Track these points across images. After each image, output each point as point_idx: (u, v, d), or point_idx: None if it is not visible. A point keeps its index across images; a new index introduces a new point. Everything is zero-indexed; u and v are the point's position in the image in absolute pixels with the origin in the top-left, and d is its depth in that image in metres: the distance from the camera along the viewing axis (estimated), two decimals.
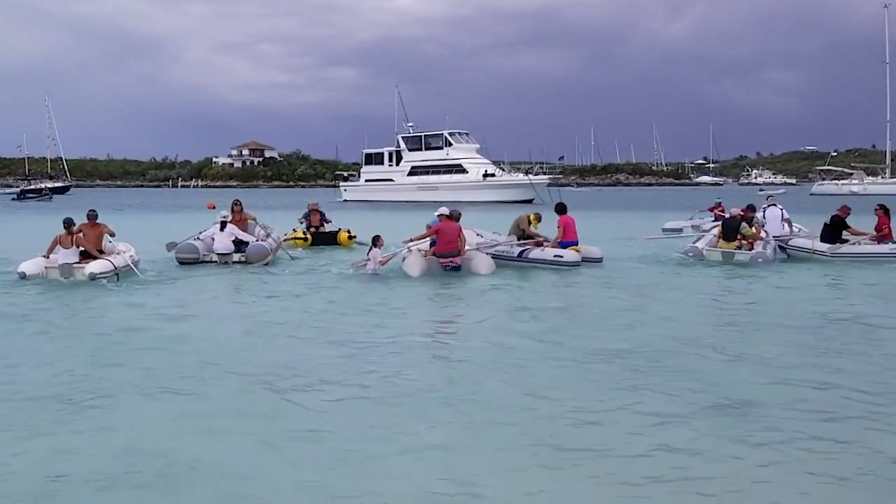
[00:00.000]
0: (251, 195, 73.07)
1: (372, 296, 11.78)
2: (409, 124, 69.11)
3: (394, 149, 67.06)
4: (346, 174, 76.85)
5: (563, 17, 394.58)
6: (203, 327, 9.64)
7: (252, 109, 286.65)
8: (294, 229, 19.99)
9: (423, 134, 65.92)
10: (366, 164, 69.24)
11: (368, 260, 13.91)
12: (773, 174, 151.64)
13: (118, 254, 14.16)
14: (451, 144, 63.67)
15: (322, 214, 20.85)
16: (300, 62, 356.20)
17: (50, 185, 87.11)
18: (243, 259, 15.68)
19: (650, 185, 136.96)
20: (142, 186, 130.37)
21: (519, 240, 15.71)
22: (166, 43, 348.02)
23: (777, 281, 13.41)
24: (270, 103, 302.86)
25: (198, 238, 16.49)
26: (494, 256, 14.83)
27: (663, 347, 8.17)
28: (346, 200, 65.56)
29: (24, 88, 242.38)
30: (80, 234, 13.59)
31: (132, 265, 13.94)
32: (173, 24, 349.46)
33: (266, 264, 15.45)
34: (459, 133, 65.00)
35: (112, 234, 14.63)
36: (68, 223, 13.53)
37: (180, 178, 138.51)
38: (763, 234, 16.48)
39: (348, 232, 20.15)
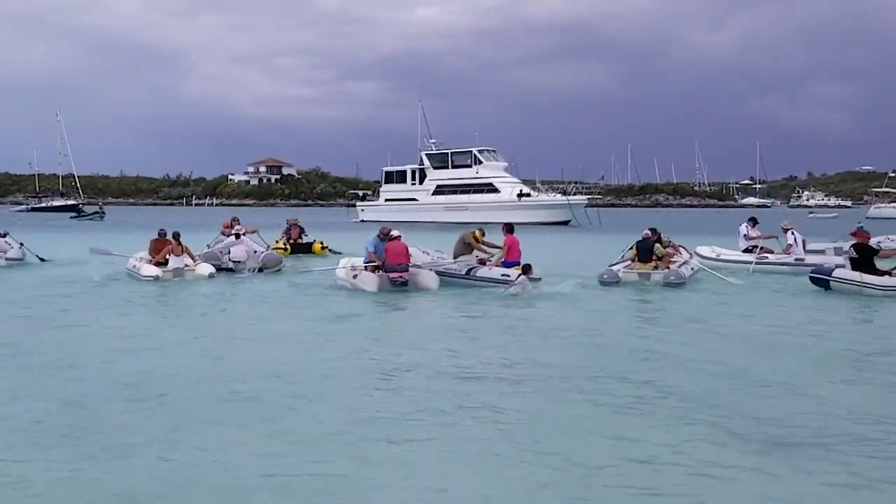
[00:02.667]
0: (267, 214, 73.45)
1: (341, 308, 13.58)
2: (432, 140, 68.89)
3: (417, 166, 66.95)
4: (361, 193, 76.28)
5: (597, 29, 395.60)
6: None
7: (269, 124, 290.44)
8: (276, 240, 24.24)
9: (449, 151, 65.94)
10: (386, 182, 68.87)
11: (517, 283, 15.12)
12: (826, 196, 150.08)
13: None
14: (480, 162, 63.64)
15: (301, 229, 25.47)
16: (319, 76, 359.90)
17: (60, 202, 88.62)
18: (260, 265, 19.14)
19: (692, 206, 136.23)
20: (155, 205, 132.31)
21: (460, 255, 16.92)
22: (180, 56, 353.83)
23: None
24: (288, 118, 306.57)
25: (210, 247, 20.67)
26: (443, 274, 16.25)
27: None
28: (363, 221, 65.25)
29: (35, 103, 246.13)
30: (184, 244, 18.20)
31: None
32: (187, 36, 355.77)
33: (278, 270, 19.17)
34: (488, 150, 65.09)
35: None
36: (176, 236, 18.12)
37: (195, 196, 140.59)
38: (681, 254, 17.93)
39: (321, 243, 25.09)
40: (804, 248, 19.55)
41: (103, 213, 66.66)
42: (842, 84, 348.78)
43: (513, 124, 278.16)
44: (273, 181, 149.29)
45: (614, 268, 17.06)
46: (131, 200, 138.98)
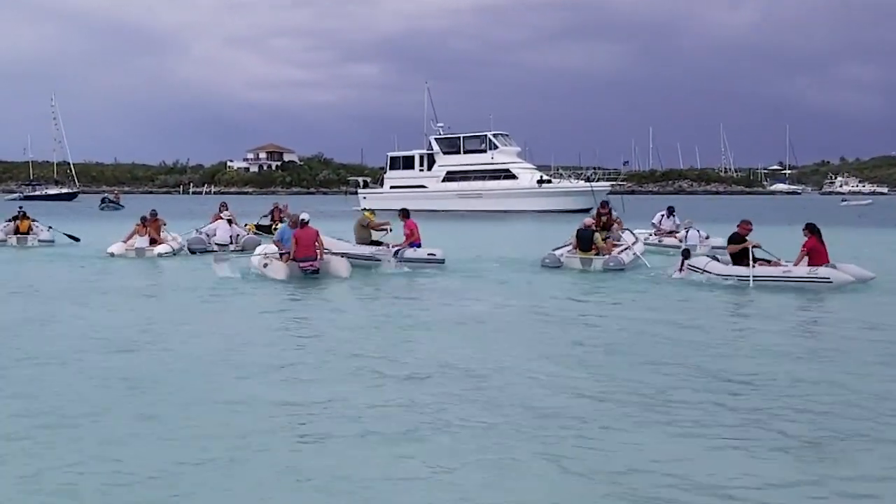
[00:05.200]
0: (268, 202, 73.80)
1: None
2: (439, 124, 67.72)
3: (425, 151, 66.10)
4: (361, 180, 74.46)
5: (610, 6, 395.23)
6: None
7: (268, 109, 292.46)
8: (256, 223, 29.24)
9: (461, 135, 65.31)
10: (391, 168, 67.65)
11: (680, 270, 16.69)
12: (860, 182, 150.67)
13: (172, 239, 22.64)
14: (495, 147, 63.07)
15: (281, 211, 29.21)
16: (318, 58, 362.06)
17: (55, 191, 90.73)
18: (239, 248, 22.71)
19: (717, 193, 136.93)
20: (151, 193, 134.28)
21: (367, 242, 18.97)
22: (174, 38, 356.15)
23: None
24: (288, 103, 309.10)
25: (198, 231, 24.17)
26: (369, 259, 18.13)
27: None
28: (364, 209, 64.91)
29: (27, 89, 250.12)
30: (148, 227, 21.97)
31: (181, 248, 22.41)
32: (179, 17, 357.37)
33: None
34: (502, 135, 64.82)
35: (164, 223, 23.13)
36: (143, 219, 22.08)
37: (192, 184, 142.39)
38: (625, 241, 19.95)
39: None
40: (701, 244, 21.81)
41: (119, 204, 68.51)
42: (875, 64, 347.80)
43: (523, 108, 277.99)
44: (274, 168, 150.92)
45: (556, 252, 19.01)
46: (127, 189, 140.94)
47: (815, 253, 15.34)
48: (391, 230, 19.55)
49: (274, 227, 26.41)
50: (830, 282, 14.74)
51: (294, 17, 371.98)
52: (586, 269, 18.32)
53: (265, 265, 17.17)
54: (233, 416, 7.13)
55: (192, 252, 22.20)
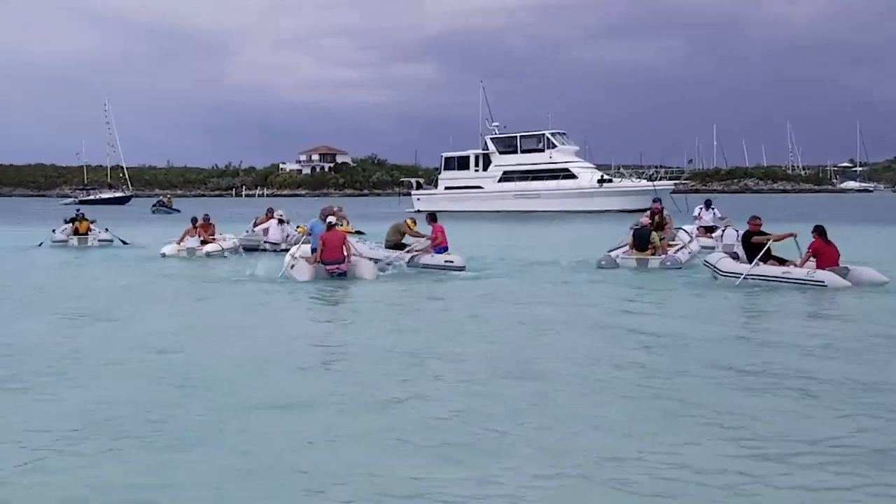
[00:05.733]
0: (320, 204, 74.01)
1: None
2: (494, 124, 67.33)
3: (481, 151, 65.99)
4: (414, 181, 74.05)
5: (668, 1, 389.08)
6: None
7: (321, 111, 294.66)
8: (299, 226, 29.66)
9: (517, 134, 64.96)
10: (445, 168, 67.51)
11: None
12: None
13: (224, 240, 23.86)
14: (553, 146, 62.61)
15: (334, 214, 31.53)
16: (369, 57, 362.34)
17: (109, 195, 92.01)
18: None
19: (785, 191, 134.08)
20: (203, 196, 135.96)
21: (395, 246, 19.42)
22: (222, 41, 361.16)
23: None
24: (340, 104, 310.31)
25: (249, 231, 25.71)
26: (377, 262, 18.14)
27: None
28: (419, 211, 64.80)
29: (82, 93, 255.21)
30: (200, 228, 23.76)
31: (233, 249, 23.45)
32: (228, 20, 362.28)
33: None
34: (559, 133, 64.31)
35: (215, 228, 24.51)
36: (194, 220, 24.02)
37: (244, 187, 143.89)
38: (680, 240, 20.31)
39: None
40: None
41: (171, 208, 69.02)
42: None
43: (581, 106, 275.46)
44: (326, 170, 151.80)
45: (612, 253, 19.06)
46: (179, 192, 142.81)
47: (822, 255, 15.35)
48: (420, 248, 19.47)
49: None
50: (825, 285, 14.80)
51: (343, 17, 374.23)
52: (643, 269, 18.41)
53: (292, 266, 17.40)
54: (298, 418, 7.12)
55: (246, 249, 23.49)
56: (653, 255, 18.64)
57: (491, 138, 66.09)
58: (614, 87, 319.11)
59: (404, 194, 74.97)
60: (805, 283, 14.92)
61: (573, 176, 61.82)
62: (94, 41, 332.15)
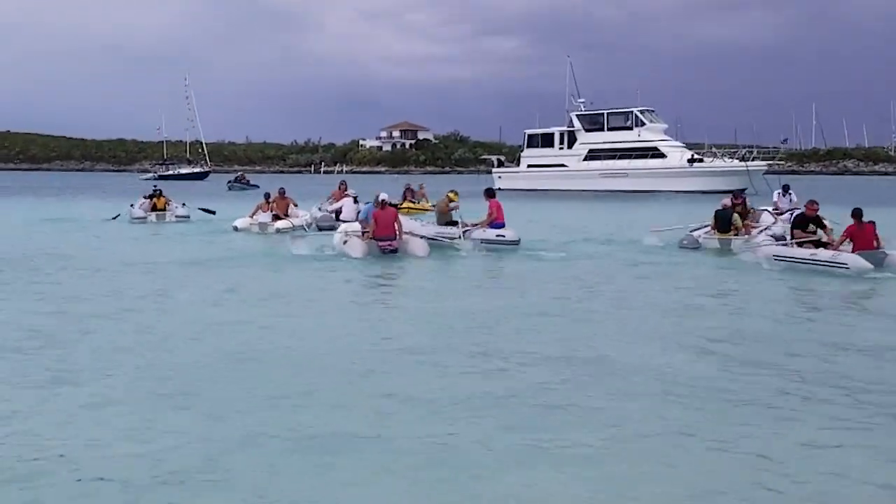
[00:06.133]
0: (401, 182, 73.79)
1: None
2: (580, 100, 66.76)
3: (566, 129, 65.03)
4: (496, 159, 73.43)
5: None
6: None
7: (404, 86, 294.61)
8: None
9: (604, 111, 64.03)
10: (528, 146, 67.02)
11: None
12: None
13: (297, 217, 24.25)
14: (642, 124, 61.47)
15: (414, 192, 33.51)
16: (454, 31, 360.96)
17: (187, 170, 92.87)
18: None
19: (886, 174, 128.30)
20: (282, 172, 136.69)
21: (447, 224, 19.77)
22: (306, 13, 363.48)
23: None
24: (424, 78, 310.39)
25: (320, 209, 25.57)
26: (432, 239, 18.56)
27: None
28: (500, 189, 64.56)
29: (162, 68, 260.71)
30: (274, 203, 24.45)
31: (304, 226, 23.54)
32: None
33: None
34: (648, 111, 63.03)
35: (296, 205, 24.93)
36: (267, 196, 24.82)
37: (323, 163, 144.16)
38: (762, 222, 20.58)
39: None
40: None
41: (249, 183, 68.49)
42: None
43: (674, 82, 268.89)
44: (407, 146, 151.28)
45: (694, 233, 19.69)
46: (258, 168, 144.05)
47: (857, 238, 15.49)
48: (480, 224, 19.68)
49: (399, 206, 26.96)
50: (848, 268, 14.87)
51: None
52: (725, 247, 18.66)
53: (345, 242, 17.78)
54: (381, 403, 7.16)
55: (321, 229, 22.71)
56: (735, 235, 18.85)
57: (577, 115, 65.35)
58: (710, 62, 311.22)
59: (485, 172, 74.57)
60: (830, 266, 15.18)
61: (662, 155, 60.40)
62: (175, 15, 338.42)
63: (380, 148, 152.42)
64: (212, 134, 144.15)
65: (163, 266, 16.12)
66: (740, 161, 58.68)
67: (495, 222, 19.38)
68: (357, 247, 17.34)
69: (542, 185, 62.91)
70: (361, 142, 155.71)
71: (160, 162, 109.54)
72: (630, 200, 47.50)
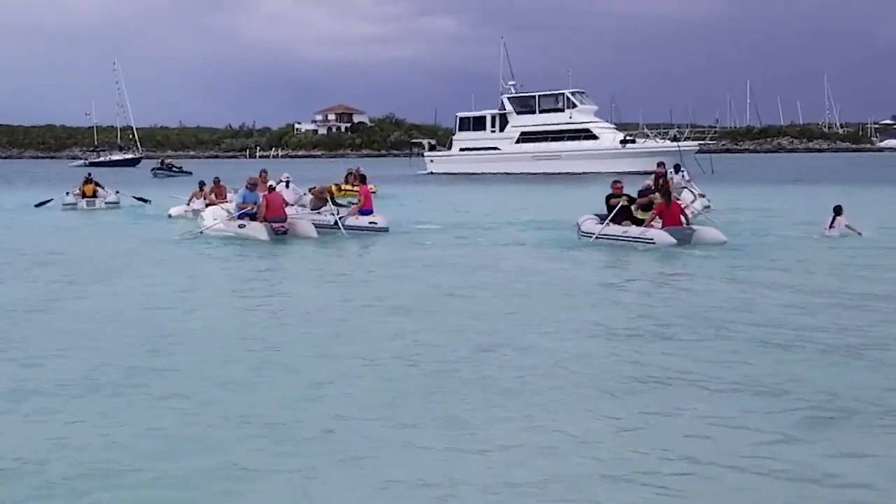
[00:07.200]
0: (335, 166, 73.52)
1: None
2: (511, 83, 67.52)
3: (497, 112, 65.61)
4: (427, 143, 74.01)
5: None
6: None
7: (337, 67, 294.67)
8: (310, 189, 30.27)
9: (536, 94, 64.80)
10: (460, 129, 67.32)
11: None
12: None
13: (229, 202, 23.31)
14: (574, 106, 62.43)
15: (355, 176, 31.31)
16: (390, 11, 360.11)
17: (119, 156, 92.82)
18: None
19: (821, 150, 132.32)
20: (216, 157, 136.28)
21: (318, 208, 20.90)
22: None
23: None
24: (358, 60, 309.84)
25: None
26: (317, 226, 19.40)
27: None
28: (431, 173, 64.43)
29: (90, 52, 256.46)
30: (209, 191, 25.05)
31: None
32: None
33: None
34: (579, 92, 64.02)
35: (235, 191, 23.82)
36: (201, 184, 25.64)
37: (259, 148, 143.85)
38: (684, 200, 20.23)
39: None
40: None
41: (182, 170, 67.77)
42: None
43: (609, 60, 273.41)
44: (343, 130, 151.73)
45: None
46: (192, 153, 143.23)
47: (665, 216, 16.80)
48: (349, 210, 20.79)
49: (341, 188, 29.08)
50: (654, 243, 16.28)
51: None
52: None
53: (241, 226, 19.10)
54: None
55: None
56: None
57: (508, 98, 65.82)
58: (645, 39, 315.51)
59: (417, 156, 74.88)
60: (639, 242, 16.53)
61: (594, 136, 61.62)
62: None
63: (315, 132, 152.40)
64: (143, 119, 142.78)
65: (81, 255, 16.99)
66: (672, 141, 59.96)
67: (363, 209, 20.45)
68: (259, 228, 18.57)
69: (474, 168, 63.31)
70: (297, 125, 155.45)
71: (91, 149, 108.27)
72: (562, 182, 48.74)
